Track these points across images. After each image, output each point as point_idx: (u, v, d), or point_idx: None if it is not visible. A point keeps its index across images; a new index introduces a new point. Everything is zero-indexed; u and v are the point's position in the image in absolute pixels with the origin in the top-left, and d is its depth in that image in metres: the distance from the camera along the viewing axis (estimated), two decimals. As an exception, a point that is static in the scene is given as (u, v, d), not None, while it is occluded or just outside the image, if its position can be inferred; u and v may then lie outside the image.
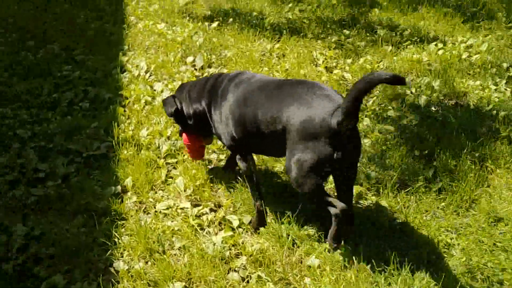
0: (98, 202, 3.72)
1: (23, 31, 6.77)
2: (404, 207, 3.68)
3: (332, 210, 3.12)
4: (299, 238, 3.38)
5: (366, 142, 4.44)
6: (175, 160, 4.23)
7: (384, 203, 3.72)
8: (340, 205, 3.10)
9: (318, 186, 3.10)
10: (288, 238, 3.35)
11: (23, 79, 5.56)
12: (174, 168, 4.20)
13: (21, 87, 5.31)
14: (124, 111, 4.88)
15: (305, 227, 3.47)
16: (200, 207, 3.71)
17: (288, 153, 3.14)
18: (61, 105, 5.00)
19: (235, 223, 3.55)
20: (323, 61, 5.86)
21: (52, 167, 4.09)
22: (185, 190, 3.86)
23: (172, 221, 3.61)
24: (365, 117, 4.78)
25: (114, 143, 4.32)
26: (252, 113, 3.31)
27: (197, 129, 3.86)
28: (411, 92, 5.16)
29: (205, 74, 5.62)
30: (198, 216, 3.65)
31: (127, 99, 5.08)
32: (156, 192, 3.91)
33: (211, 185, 3.95)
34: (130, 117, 4.81)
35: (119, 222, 3.55)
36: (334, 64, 5.87)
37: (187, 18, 7.19)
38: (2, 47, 6.35)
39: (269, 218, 3.57)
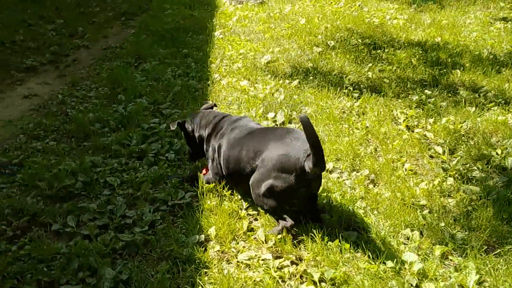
0: (182, 250, 3.81)
1: (114, 85, 7.19)
2: (494, 270, 3.54)
3: (283, 223, 3.91)
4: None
5: (450, 201, 4.36)
6: (256, 212, 4.29)
7: (471, 264, 3.59)
8: (290, 222, 3.88)
9: (279, 208, 3.88)
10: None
11: (113, 130, 5.87)
12: (256, 219, 4.25)
13: (112, 137, 5.60)
14: (208, 162, 5.03)
15: (389, 284, 3.40)
16: (282, 259, 3.72)
17: (258, 175, 3.89)
18: (148, 156, 5.22)
19: (316, 277, 3.53)
20: (404, 120, 5.85)
21: (139, 214, 4.25)
22: (266, 242, 3.89)
23: (254, 272, 3.63)
24: (449, 176, 4.70)
25: (198, 193, 4.44)
26: (238, 152, 4.13)
27: (197, 150, 4.78)
28: (497, 154, 5.03)
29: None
30: (279, 268, 3.66)
31: (210, 151, 5.24)
32: (238, 243, 3.96)
33: (292, 237, 3.96)
34: (213, 169, 4.94)
35: (202, 271, 3.61)
36: (416, 123, 5.83)
37: (269, 75, 7.40)
38: (96, 100, 6.76)
39: (351, 273, 3.54)
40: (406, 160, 5.03)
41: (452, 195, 4.46)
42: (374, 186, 4.68)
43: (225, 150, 4.30)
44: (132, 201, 4.49)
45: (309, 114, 6.05)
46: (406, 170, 4.85)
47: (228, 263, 3.76)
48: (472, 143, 5.30)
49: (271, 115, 6.00)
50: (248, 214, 4.28)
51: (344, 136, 5.49)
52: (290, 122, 5.92)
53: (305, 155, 3.65)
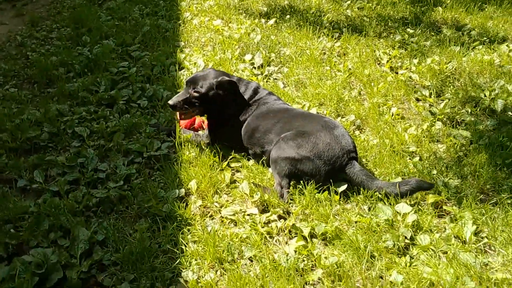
0: (162, 206, 3.54)
1: (78, 25, 6.70)
2: (491, 219, 3.38)
3: (279, 193, 3.68)
4: (377, 251, 3.14)
5: (440, 147, 4.17)
6: (239, 164, 4.04)
7: (467, 214, 3.42)
8: (286, 199, 3.65)
9: (289, 181, 3.73)
10: (366, 250, 3.12)
11: (79, 75, 5.46)
12: (238, 171, 4.00)
13: (78, 83, 5.20)
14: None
15: (383, 237, 3.22)
16: (268, 214, 3.50)
17: (292, 144, 3.72)
18: (118, 103, 4.86)
19: (306, 231, 3.32)
20: (387, 61, 5.58)
21: (113, 168, 3.95)
22: (251, 196, 3.65)
23: (239, 228, 3.41)
24: (437, 120, 4.50)
25: (176, 144, 4.15)
26: (272, 124, 4.01)
27: (222, 108, 4.24)
28: (485, 95, 4.83)
29: (265, 73, 5.42)
30: (266, 223, 3.44)
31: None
32: (220, 196, 3.72)
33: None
34: (189, 116, 4.63)
35: (185, 228, 3.37)
36: (400, 64, 5.58)
37: (243, 14, 6.99)
38: (58, 42, 6.28)
39: (343, 227, 3.35)
40: (392, 104, 4.80)
41: (441, 141, 4.27)
42: (360, 133, 4.45)
43: (254, 120, 4.16)
44: (104, 153, 4.17)
45: (289, 56, 5.72)
46: (393, 115, 4.62)
47: (212, 219, 3.53)
48: (459, 84, 5.09)
49: (248, 57, 5.66)
50: (229, 166, 4.03)
51: (326, 79, 5.21)
52: (269, 65, 5.60)
53: (347, 157, 3.68)
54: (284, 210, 3.56)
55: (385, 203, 3.51)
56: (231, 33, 6.31)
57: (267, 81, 5.28)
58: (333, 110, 4.72)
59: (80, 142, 4.30)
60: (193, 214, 3.52)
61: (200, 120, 4.58)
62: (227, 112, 4.23)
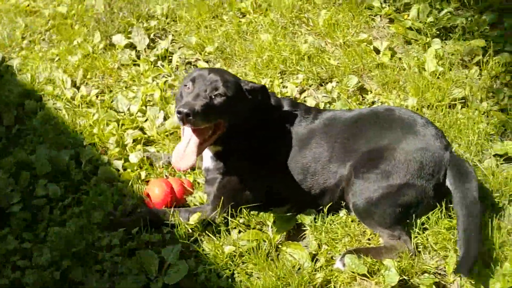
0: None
1: None
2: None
3: (395, 243, 2.80)
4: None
5: None
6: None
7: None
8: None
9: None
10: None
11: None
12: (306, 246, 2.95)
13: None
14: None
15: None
16: None
17: (369, 185, 2.81)
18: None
19: None
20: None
21: None
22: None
23: None
24: None
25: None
26: (314, 151, 3.03)
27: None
28: None
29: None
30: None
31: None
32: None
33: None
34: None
35: None
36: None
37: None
38: None
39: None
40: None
41: None
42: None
43: (298, 148, 3.05)
44: None
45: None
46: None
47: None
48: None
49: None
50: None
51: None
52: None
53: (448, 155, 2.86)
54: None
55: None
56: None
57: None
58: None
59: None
60: None
61: (179, 182, 3.25)
62: (256, 135, 3.05)
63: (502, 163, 3.32)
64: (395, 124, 2.93)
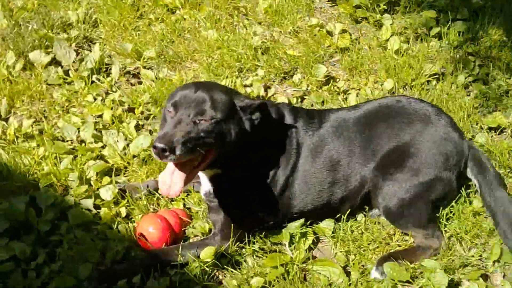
0: None
1: None
2: None
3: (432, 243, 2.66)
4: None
5: None
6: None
7: None
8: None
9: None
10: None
11: None
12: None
13: None
14: None
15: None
16: None
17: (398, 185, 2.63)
18: None
19: None
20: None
21: None
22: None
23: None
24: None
25: None
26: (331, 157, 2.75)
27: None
28: None
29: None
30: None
31: None
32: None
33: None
34: None
35: None
36: None
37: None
38: None
39: None
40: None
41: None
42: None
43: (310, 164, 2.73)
44: None
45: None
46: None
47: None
48: None
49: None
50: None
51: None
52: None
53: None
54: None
55: None
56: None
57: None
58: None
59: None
60: None
61: (173, 214, 2.81)
62: (259, 152, 2.69)
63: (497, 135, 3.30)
64: (411, 118, 2.75)
